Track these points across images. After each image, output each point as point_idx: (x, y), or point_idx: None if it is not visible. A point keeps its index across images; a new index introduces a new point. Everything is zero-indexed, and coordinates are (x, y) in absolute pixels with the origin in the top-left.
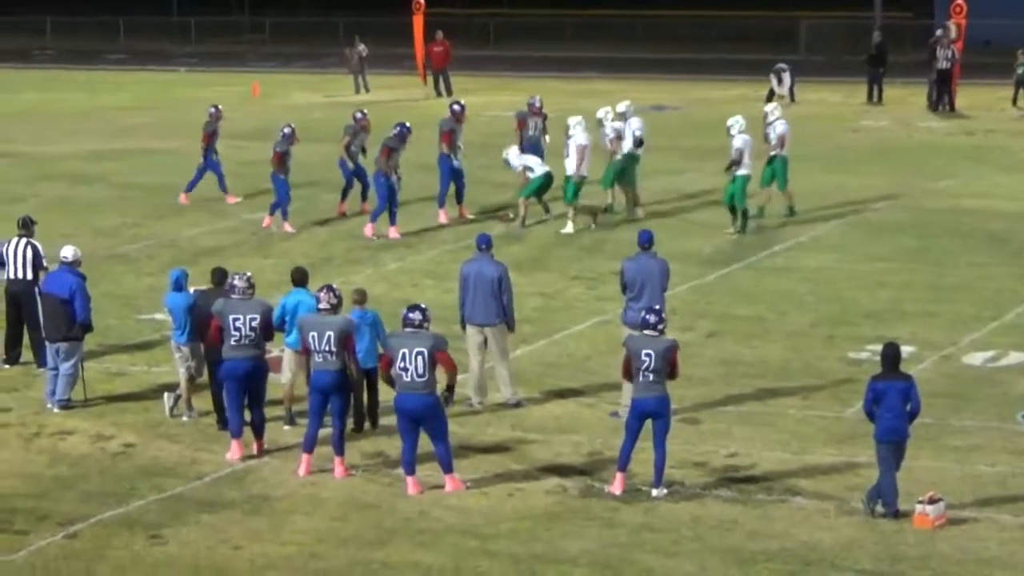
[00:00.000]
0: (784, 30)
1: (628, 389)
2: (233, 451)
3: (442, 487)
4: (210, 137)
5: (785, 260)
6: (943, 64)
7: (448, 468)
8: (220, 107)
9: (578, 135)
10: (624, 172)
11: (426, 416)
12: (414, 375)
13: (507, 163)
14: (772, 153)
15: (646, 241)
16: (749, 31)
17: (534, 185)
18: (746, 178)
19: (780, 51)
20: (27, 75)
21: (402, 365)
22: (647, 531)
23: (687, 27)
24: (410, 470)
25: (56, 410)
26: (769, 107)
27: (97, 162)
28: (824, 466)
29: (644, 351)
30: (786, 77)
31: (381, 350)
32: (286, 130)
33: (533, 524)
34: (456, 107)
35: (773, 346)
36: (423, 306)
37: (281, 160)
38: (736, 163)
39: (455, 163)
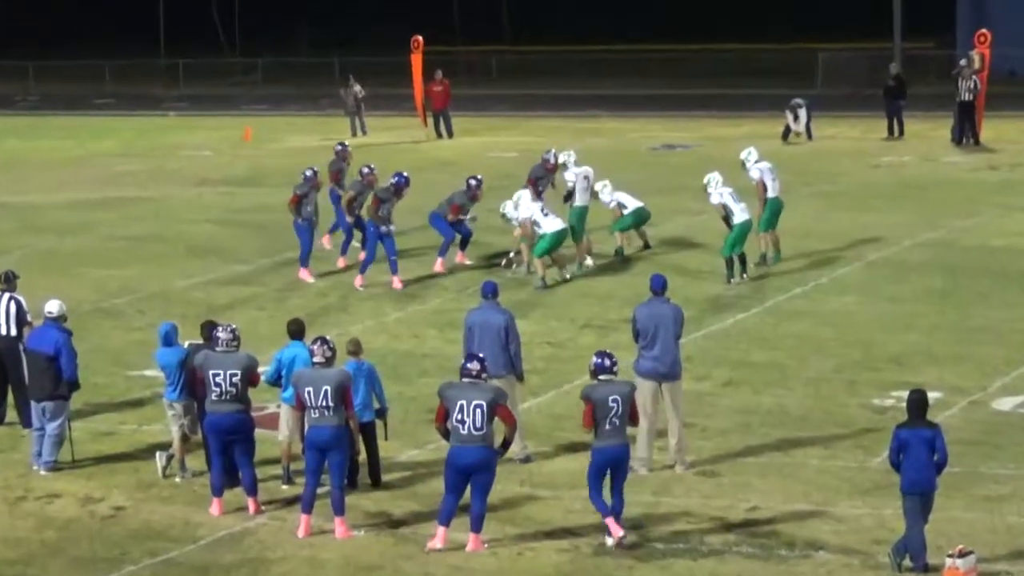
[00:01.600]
0: (800, 63)
1: (643, 442)
2: (214, 508)
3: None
4: (337, 176)
5: (805, 303)
6: (965, 96)
7: (479, 528)
8: (347, 144)
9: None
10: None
11: (479, 470)
12: (471, 428)
13: (504, 217)
14: (766, 197)
15: (659, 286)
16: (763, 65)
17: (545, 244)
18: (742, 225)
19: (796, 85)
20: (9, 122)
21: (459, 417)
22: None
23: (698, 62)
24: (447, 521)
25: (43, 472)
26: (744, 153)
27: (84, 212)
28: (848, 519)
29: (611, 396)
30: (802, 113)
31: (377, 403)
32: (308, 172)
33: None
34: (473, 182)
35: (793, 394)
36: (482, 356)
37: (298, 203)
38: (725, 218)
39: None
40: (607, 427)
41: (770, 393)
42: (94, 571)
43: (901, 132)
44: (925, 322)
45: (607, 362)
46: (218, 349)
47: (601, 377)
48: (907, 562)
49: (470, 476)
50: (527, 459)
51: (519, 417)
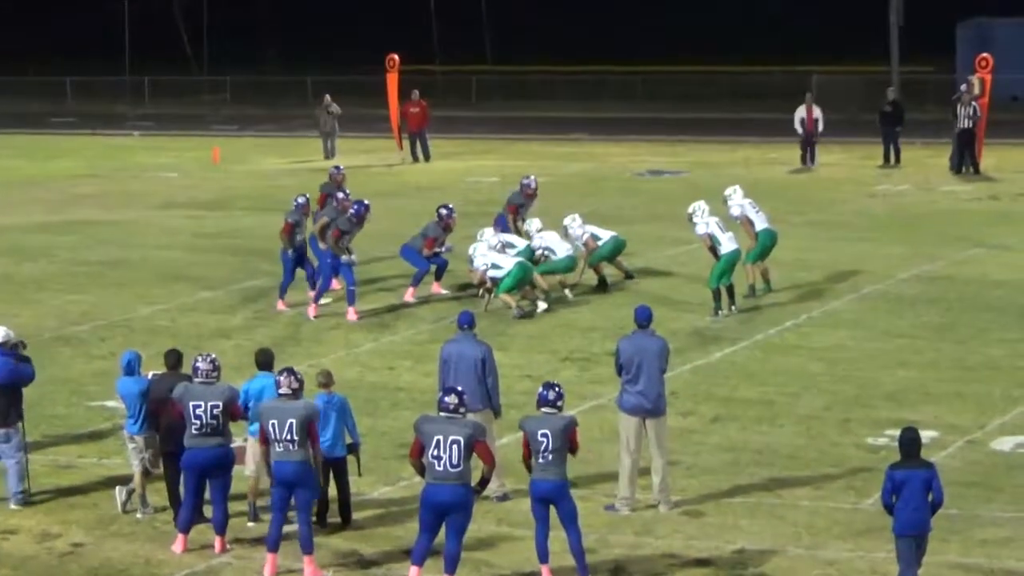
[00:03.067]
0: (794, 86)
1: (625, 480)
2: (177, 546)
3: None
4: (325, 200)
5: (796, 337)
6: (964, 123)
7: (452, 569)
8: (342, 168)
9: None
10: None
11: (454, 509)
12: (447, 465)
13: (471, 262)
14: (755, 232)
15: (644, 319)
16: (756, 88)
17: (508, 282)
18: (729, 256)
19: (790, 109)
20: None
21: (435, 453)
22: None
23: (688, 84)
24: (420, 562)
25: (13, 506)
26: (729, 191)
27: (44, 235)
28: (840, 562)
29: (540, 431)
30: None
31: (349, 438)
32: (300, 199)
33: None
34: (444, 211)
35: (783, 431)
36: (460, 389)
37: (291, 232)
38: (711, 248)
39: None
40: (540, 460)
41: (759, 431)
42: None
43: (898, 160)
44: (921, 358)
45: (550, 395)
46: (197, 380)
47: (543, 409)
48: None
49: (445, 515)
50: (504, 497)
51: (496, 453)
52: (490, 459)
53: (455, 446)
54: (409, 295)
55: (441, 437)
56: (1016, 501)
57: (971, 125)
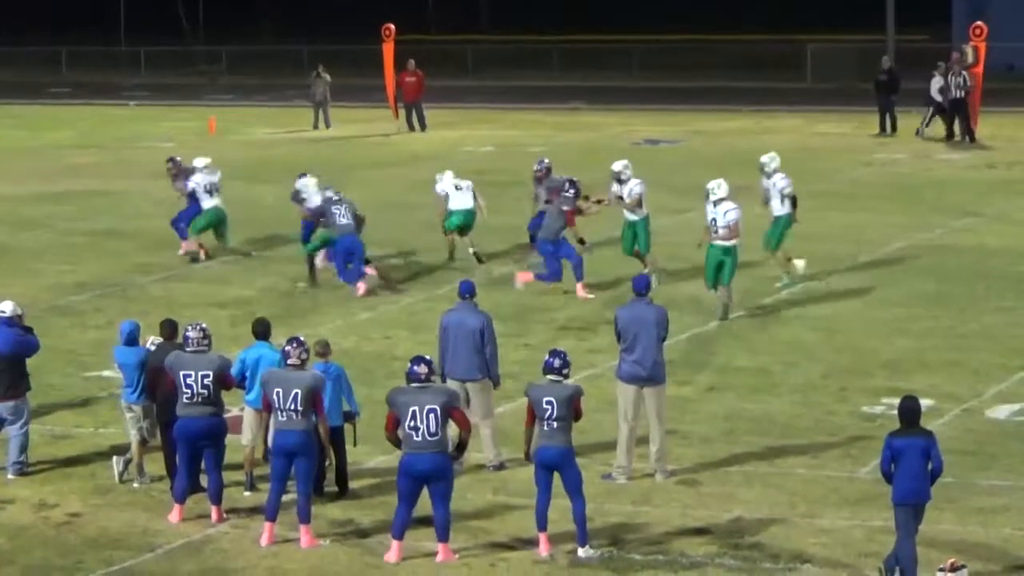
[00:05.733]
0: (789, 55)
1: (622, 449)
2: (174, 515)
3: (419, 556)
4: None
5: (794, 307)
6: (956, 93)
7: (445, 536)
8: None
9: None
10: None
11: (435, 477)
12: (426, 434)
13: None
14: (778, 214)
15: (642, 288)
16: (751, 57)
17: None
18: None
19: (785, 78)
20: None
21: (412, 424)
22: None
23: (683, 53)
24: (400, 535)
25: (10, 476)
26: (766, 158)
27: (39, 205)
28: (836, 531)
29: (545, 399)
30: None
31: (346, 407)
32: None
33: None
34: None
35: (780, 400)
36: (428, 358)
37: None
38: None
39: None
40: (544, 428)
41: (755, 399)
42: None
43: (894, 128)
44: (918, 327)
45: (556, 362)
46: (188, 349)
47: (549, 377)
48: None
49: (425, 485)
50: (501, 466)
51: (494, 422)
52: (467, 425)
53: (432, 415)
54: (580, 290)
55: (417, 407)
56: (1012, 470)
57: (963, 95)
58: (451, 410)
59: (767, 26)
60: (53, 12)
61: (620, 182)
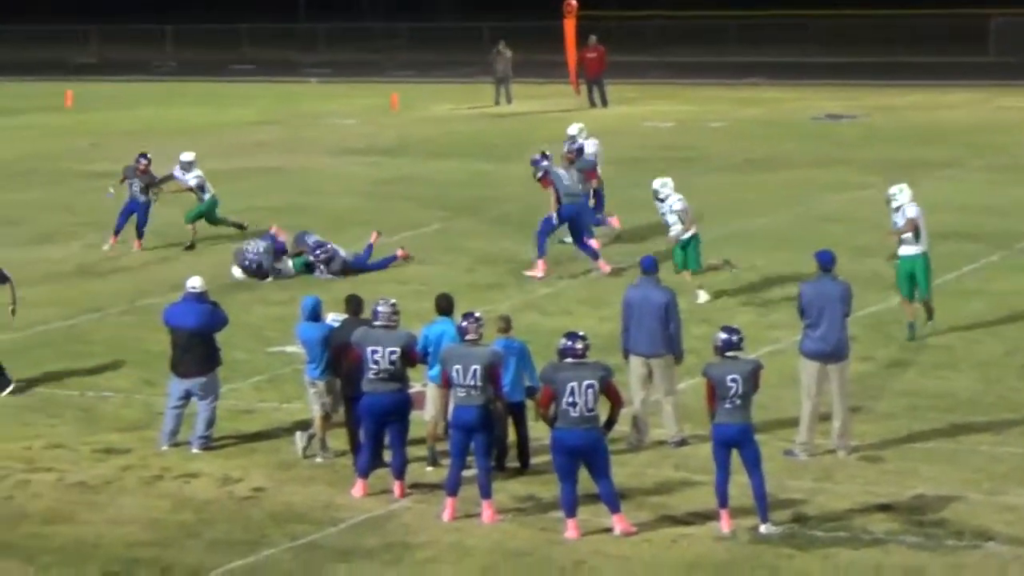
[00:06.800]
0: (970, 29)
1: (805, 426)
2: (357, 490)
3: (599, 532)
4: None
5: (975, 282)
6: None
7: (616, 507)
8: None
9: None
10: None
11: (591, 452)
12: (583, 409)
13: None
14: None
15: (827, 263)
16: (931, 31)
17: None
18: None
19: (966, 52)
20: (146, 88)
21: (570, 400)
22: None
23: (863, 28)
24: (572, 512)
25: (195, 450)
26: (894, 190)
27: (221, 182)
28: (1020, 508)
29: (730, 376)
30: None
31: (528, 382)
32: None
33: (700, 574)
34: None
35: (962, 377)
36: (582, 333)
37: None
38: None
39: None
40: (726, 405)
41: (938, 376)
42: (232, 554)
43: None
44: None
45: (733, 338)
46: (377, 324)
47: (727, 354)
48: None
49: (581, 460)
50: (682, 442)
51: (676, 398)
52: (620, 401)
53: (590, 390)
54: (602, 268)
55: (576, 383)
56: None
57: None
58: (607, 385)
59: (949, 0)
60: None
61: (660, 200)
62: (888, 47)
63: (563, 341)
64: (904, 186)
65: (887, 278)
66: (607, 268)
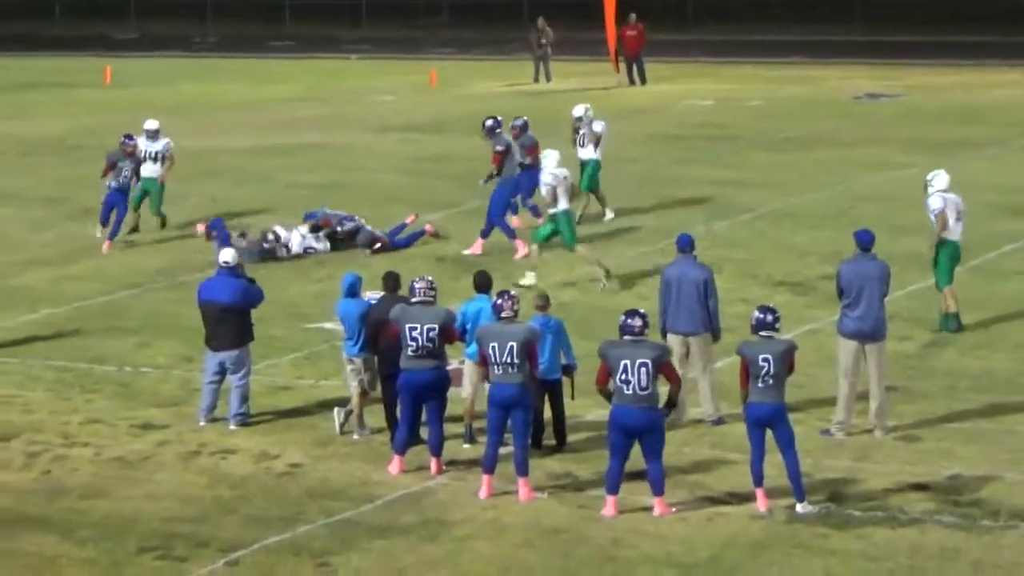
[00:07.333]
0: (1013, 9)
1: (842, 405)
2: (394, 467)
3: (634, 511)
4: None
5: (1014, 262)
6: None
7: (659, 490)
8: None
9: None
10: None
11: (647, 432)
12: (636, 388)
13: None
14: (943, 236)
15: (866, 242)
16: (972, 10)
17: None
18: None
19: (1008, 32)
20: (186, 64)
21: (623, 377)
22: (860, 560)
23: (902, 7)
24: (614, 489)
25: (232, 427)
26: (930, 176)
27: (262, 158)
28: None
29: (761, 356)
30: None
31: (564, 360)
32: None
33: (735, 552)
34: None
35: (1001, 356)
36: (642, 311)
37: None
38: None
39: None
40: (759, 384)
41: (976, 355)
42: (269, 530)
43: None
44: None
45: (769, 317)
46: (414, 300)
47: (761, 333)
48: None
49: (636, 439)
50: (719, 421)
51: (713, 377)
52: (677, 379)
53: (643, 369)
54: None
55: (628, 361)
56: None
57: None
58: (662, 365)
59: None
60: None
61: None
62: (929, 26)
63: (621, 317)
64: (940, 172)
65: (925, 258)
66: (525, 250)
